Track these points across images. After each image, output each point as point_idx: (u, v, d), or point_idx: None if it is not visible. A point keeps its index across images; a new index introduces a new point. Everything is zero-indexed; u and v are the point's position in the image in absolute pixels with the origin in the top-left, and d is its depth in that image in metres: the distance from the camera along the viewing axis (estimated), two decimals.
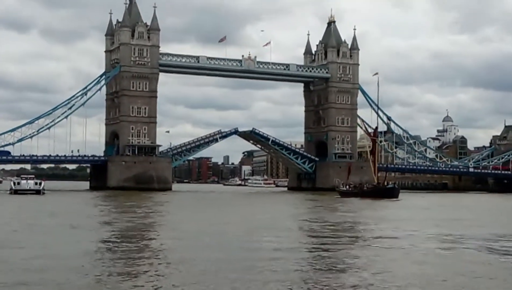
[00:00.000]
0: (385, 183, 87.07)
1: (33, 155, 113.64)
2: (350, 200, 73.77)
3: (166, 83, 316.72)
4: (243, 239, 28.08)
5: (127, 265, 19.54)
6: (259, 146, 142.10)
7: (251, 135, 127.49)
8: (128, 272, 18.22)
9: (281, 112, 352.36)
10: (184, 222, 38.61)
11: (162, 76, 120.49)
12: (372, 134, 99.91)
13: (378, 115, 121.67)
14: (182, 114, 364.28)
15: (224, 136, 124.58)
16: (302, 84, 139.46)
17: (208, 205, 65.37)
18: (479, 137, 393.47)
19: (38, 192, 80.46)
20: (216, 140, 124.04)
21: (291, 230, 33.06)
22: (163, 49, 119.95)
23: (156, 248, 24.54)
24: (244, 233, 30.67)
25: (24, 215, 43.14)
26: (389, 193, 79.11)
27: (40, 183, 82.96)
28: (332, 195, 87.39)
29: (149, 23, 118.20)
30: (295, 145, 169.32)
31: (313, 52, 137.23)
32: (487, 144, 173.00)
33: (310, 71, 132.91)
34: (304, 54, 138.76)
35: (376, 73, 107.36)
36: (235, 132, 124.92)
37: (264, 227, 33.87)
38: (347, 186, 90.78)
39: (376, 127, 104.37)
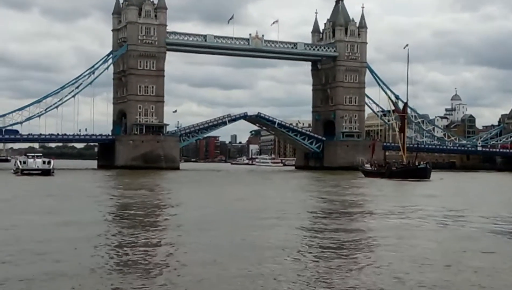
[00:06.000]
0: (416, 163, 79.39)
1: (41, 134, 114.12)
2: (378, 180, 66.99)
3: (170, 61, 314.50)
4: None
5: (137, 237, 19.68)
6: (265, 128, 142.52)
7: (257, 119, 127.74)
8: (135, 243, 18.37)
9: (286, 91, 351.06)
10: (194, 199, 38.77)
11: (166, 55, 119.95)
12: (401, 110, 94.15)
13: (407, 90, 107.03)
14: (186, 93, 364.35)
15: (233, 119, 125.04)
16: (306, 63, 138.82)
17: (219, 182, 65.47)
18: (485, 116, 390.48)
19: (47, 172, 71.82)
20: (225, 123, 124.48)
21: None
22: (167, 27, 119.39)
23: (163, 223, 24.67)
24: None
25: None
26: (421, 173, 71.51)
27: (49, 162, 74.97)
28: (352, 174, 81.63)
29: (156, 2, 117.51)
30: (302, 123, 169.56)
31: (321, 31, 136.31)
32: (494, 123, 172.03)
33: (318, 49, 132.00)
34: (311, 32, 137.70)
35: (407, 45, 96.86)
36: (244, 116, 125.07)
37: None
38: (372, 166, 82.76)
39: (406, 103, 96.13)
